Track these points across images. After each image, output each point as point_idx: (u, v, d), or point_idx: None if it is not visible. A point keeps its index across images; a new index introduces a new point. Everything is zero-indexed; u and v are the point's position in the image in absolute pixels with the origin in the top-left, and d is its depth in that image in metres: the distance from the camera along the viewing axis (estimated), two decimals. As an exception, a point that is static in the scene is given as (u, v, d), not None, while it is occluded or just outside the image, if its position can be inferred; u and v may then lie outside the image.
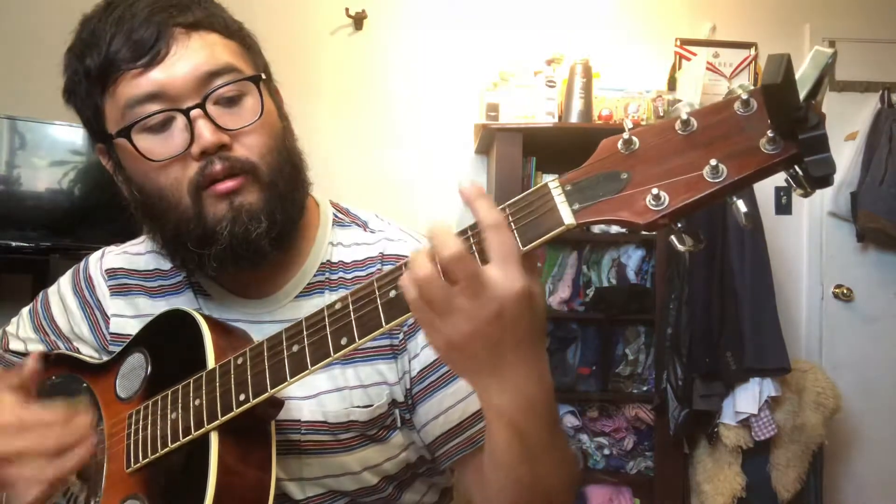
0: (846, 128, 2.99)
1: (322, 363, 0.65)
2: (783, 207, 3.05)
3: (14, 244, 2.43)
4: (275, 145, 0.78)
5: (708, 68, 2.94)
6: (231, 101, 0.76)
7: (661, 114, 2.72)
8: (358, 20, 2.99)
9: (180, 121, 0.75)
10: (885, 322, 3.04)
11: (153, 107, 0.74)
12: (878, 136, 2.89)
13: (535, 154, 2.74)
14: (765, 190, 2.92)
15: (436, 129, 3.02)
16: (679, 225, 0.53)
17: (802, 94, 0.48)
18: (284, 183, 0.78)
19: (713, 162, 0.51)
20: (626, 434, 2.70)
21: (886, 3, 3.07)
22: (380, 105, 3.03)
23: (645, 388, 2.72)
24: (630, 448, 2.70)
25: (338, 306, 0.65)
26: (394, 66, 3.03)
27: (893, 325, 3.04)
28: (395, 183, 2.99)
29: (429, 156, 3.02)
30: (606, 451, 2.70)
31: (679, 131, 0.53)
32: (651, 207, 0.53)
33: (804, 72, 0.49)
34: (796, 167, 0.51)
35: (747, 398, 2.48)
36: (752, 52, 3.04)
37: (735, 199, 0.52)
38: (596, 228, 2.71)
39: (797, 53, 3.05)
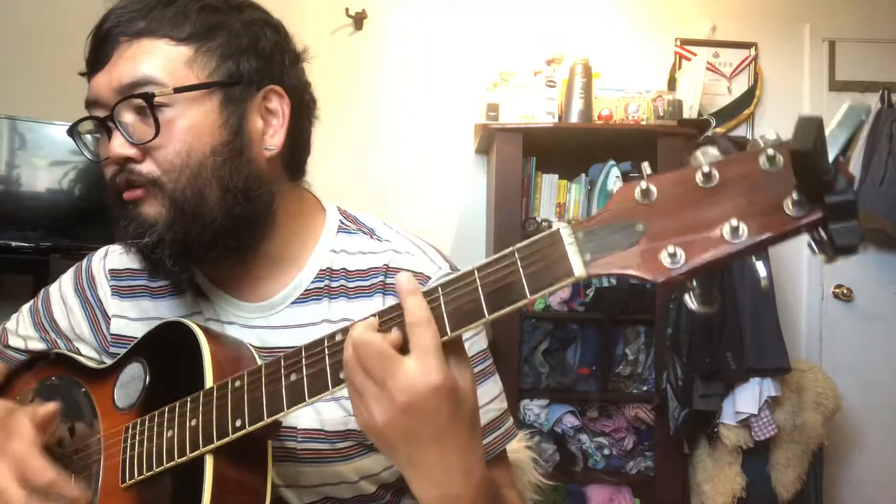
0: (846, 128, 2.99)
1: (319, 396, 0.64)
2: (783, 207, 3.05)
3: (14, 244, 2.42)
4: (184, 163, 0.75)
5: (708, 68, 2.94)
6: (148, 114, 0.74)
7: (661, 114, 2.72)
8: (358, 20, 2.99)
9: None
10: (885, 322, 3.04)
11: (93, 111, 0.78)
12: (878, 136, 2.88)
13: (535, 154, 2.74)
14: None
15: (436, 129, 3.02)
16: (694, 283, 0.51)
17: (832, 154, 0.46)
18: (195, 202, 0.75)
19: (734, 222, 0.48)
20: (626, 434, 2.70)
21: (886, 3, 3.07)
22: (380, 105, 3.03)
23: (645, 388, 2.72)
24: (630, 448, 2.71)
25: (338, 338, 0.64)
26: (394, 65, 3.03)
27: (893, 325, 3.04)
28: (396, 183, 2.99)
29: (429, 156, 3.02)
30: (606, 451, 2.70)
31: (700, 183, 0.51)
32: (666, 265, 0.50)
33: (835, 130, 0.47)
34: (821, 231, 0.48)
35: (747, 398, 2.48)
36: (752, 52, 3.04)
37: (755, 260, 0.50)
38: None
39: (797, 53, 3.06)
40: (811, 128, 0.43)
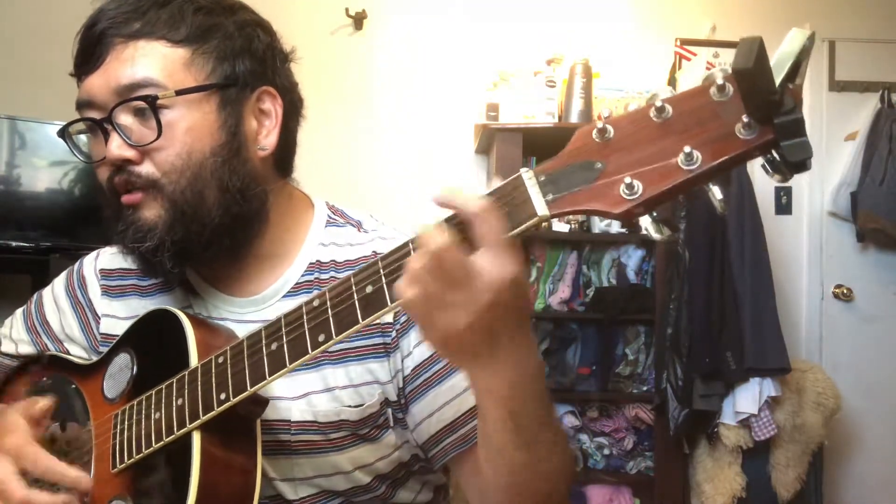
0: (846, 128, 2.99)
1: (300, 360, 0.65)
2: (783, 207, 3.05)
3: (14, 244, 2.43)
4: (184, 164, 0.76)
5: (708, 68, 2.93)
6: (147, 115, 0.75)
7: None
8: (358, 20, 2.99)
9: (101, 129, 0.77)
10: (885, 322, 3.03)
11: (86, 112, 0.77)
12: (878, 136, 2.89)
13: (535, 154, 2.74)
14: (765, 190, 2.92)
15: (436, 129, 3.02)
16: (654, 214, 0.53)
17: (779, 78, 0.47)
18: (194, 203, 0.76)
19: (687, 149, 0.50)
20: (626, 434, 2.70)
21: (886, 3, 3.07)
22: (379, 105, 3.03)
23: (645, 388, 2.72)
24: (630, 448, 2.70)
25: (316, 303, 0.65)
26: (393, 65, 3.03)
27: (893, 325, 3.03)
28: (395, 183, 2.99)
29: (428, 156, 3.02)
30: (606, 451, 2.70)
31: (654, 118, 0.52)
32: (625, 197, 0.52)
33: (780, 54, 0.48)
34: (773, 152, 0.49)
35: (747, 398, 2.48)
36: (752, 52, 3.04)
37: (710, 185, 0.51)
38: (596, 228, 2.71)
39: (797, 53, 3.04)
40: (752, 47, 0.44)
